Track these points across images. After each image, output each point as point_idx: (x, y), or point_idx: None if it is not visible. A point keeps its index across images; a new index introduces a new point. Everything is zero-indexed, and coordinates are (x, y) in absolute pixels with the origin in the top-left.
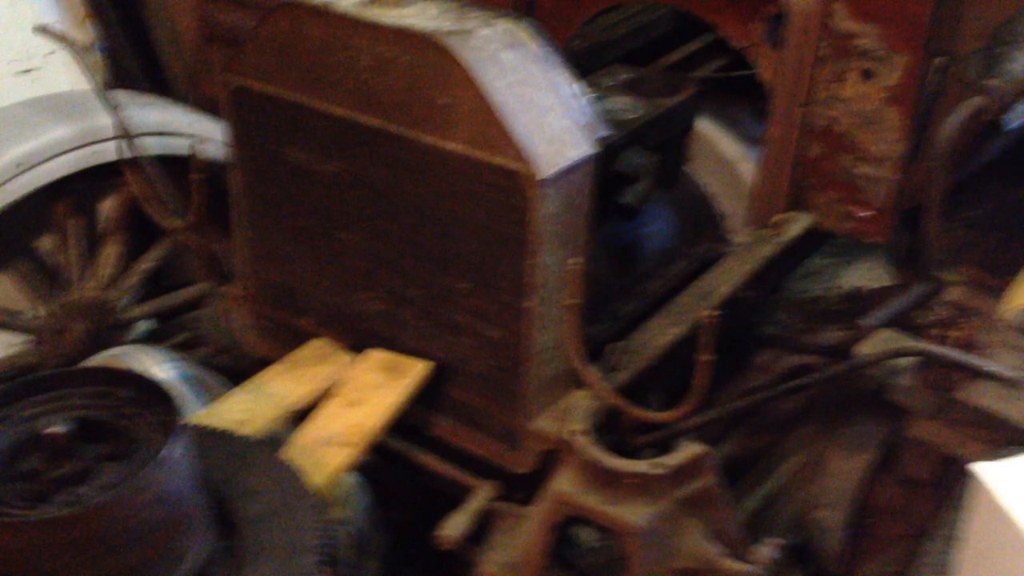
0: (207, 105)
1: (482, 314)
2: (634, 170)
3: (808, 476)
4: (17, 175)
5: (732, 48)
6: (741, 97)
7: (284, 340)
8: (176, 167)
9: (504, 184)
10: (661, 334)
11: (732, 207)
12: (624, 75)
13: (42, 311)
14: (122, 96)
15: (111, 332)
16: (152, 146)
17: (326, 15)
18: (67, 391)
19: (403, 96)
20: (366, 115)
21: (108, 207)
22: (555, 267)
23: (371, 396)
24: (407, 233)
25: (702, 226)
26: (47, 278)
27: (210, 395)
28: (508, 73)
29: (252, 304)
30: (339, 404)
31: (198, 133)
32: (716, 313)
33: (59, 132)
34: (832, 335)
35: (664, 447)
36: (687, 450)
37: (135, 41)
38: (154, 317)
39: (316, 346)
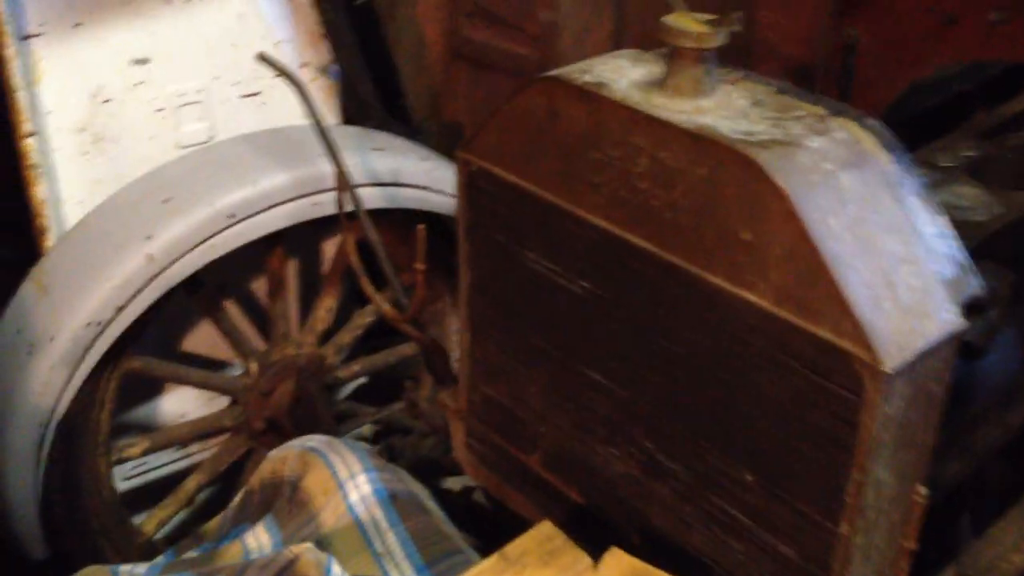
0: (447, 132)
1: (769, 521)
2: (982, 293)
3: None
4: (228, 227)
5: None
6: None
7: (504, 472)
8: (405, 220)
9: (827, 365)
10: (1018, 548)
11: None
12: (967, 151)
13: (251, 367)
14: (353, 135)
15: (321, 393)
16: (378, 198)
17: (596, 100)
18: None
19: (690, 219)
20: (635, 233)
21: (327, 254)
22: (890, 484)
23: None
24: (672, 390)
25: None
26: (254, 330)
27: (408, 522)
28: (847, 205)
29: (470, 421)
30: None
31: (434, 185)
32: None
33: (277, 179)
34: None
35: None
36: None
37: (372, 63)
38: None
39: (541, 536)
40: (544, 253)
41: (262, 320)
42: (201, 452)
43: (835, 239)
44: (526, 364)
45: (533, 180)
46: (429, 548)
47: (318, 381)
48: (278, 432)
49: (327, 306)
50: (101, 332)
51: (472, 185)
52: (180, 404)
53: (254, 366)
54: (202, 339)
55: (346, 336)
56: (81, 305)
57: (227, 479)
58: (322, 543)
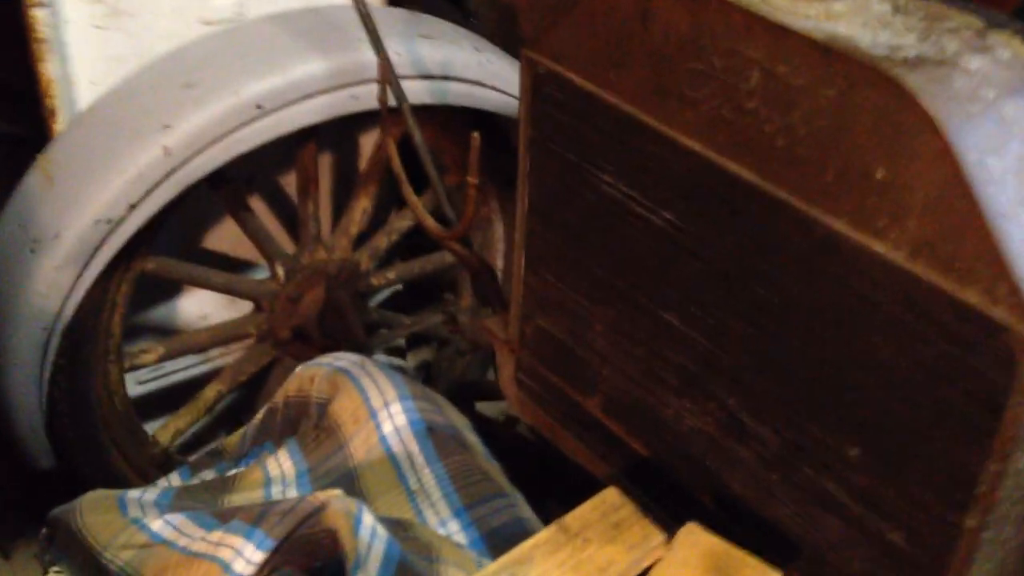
0: (506, 20)
1: (877, 503)
2: None
3: None
4: (254, 119)
5: None
6: None
7: (557, 413)
8: (452, 117)
9: (970, 336)
10: None
11: None
12: None
13: (278, 271)
14: (399, 18)
15: (353, 301)
16: (424, 92)
17: None
18: None
19: (810, 149)
20: (738, 161)
21: (365, 150)
22: None
23: None
24: (766, 344)
25: None
26: (283, 231)
27: (446, 459)
28: (1011, 143)
29: (520, 353)
30: None
31: (487, 80)
32: None
33: (311, 67)
34: None
35: None
36: None
37: None
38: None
39: (606, 505)
40: (621, 177)
41: (292, 219)
42: (222, 357)
43: (995, 184)
44: (589, 298)
45: (614, 90)
46: (469, 489)
47: (350, 288)
48: (305, 341)
49: (362, 207)
50: (112, 231)
51: (538, 90)
52: (200, 305)
53: (281, 270)
54: (225, 236)
55: (381, 240)
56: (90, 200)
57: (250, 387)
58: (351, 476)
